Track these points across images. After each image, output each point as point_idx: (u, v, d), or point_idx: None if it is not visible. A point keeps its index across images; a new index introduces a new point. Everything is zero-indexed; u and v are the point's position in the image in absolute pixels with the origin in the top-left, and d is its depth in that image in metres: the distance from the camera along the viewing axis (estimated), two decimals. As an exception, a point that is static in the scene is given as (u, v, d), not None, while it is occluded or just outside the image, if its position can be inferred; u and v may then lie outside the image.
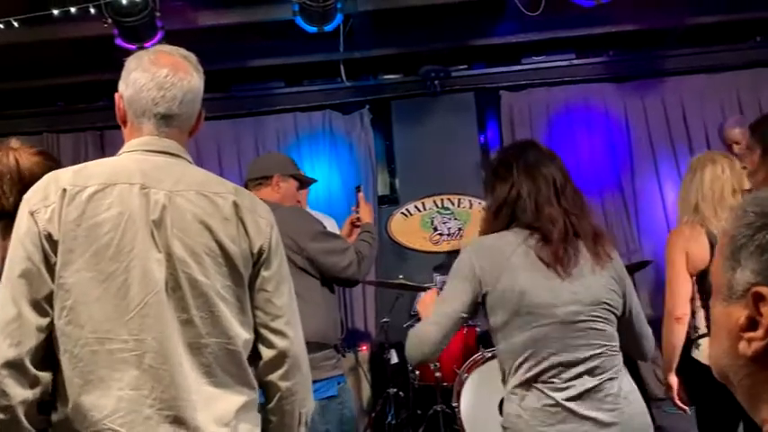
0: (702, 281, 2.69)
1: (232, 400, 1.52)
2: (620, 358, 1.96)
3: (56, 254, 1.43)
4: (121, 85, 1.62)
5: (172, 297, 1.47)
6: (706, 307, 2.69)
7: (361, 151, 5.54)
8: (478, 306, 1.94)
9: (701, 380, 2.66)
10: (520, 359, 1.89)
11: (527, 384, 1.88)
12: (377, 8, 4.50)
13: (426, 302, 2.19)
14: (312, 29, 4.13)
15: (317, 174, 5.14)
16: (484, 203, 5.03)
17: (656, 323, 2.74)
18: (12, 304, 1.40)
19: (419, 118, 5.57)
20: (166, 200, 1.50)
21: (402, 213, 5.60)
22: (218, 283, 1.51)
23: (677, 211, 2.92)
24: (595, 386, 1.87)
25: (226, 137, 5.51)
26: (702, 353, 2.70)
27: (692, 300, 2.73)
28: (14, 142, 1.80)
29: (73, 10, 3.91)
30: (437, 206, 5.59)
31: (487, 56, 5.53)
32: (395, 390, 4.73)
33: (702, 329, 2.73)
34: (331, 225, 3.81)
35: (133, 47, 3.72)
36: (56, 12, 3.94)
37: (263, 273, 1.60)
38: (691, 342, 2.76)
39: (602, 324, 1.91)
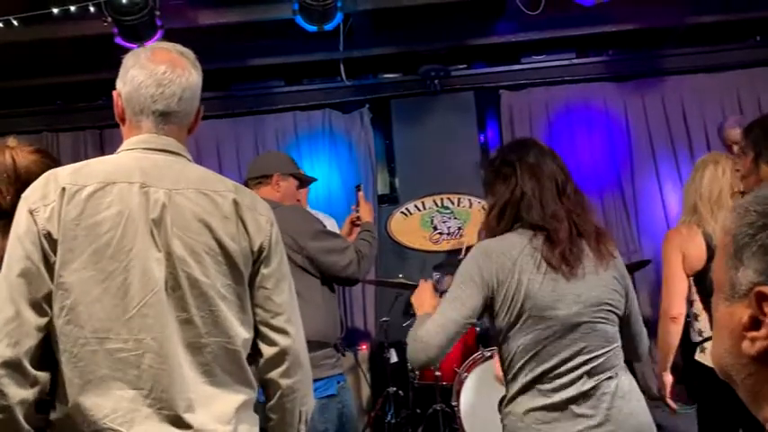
0: (701, 282, 2.69)
1: (231, 399, 1.52)
2: (620, 358, 1.96)
3: (55, 253, 1.42)
4: (119, 83, 1.61)
5: (171, 296, 1.47)
6: (708, 309, 2.69)
7: (360, 150, 5.54)
8: (485, 310, 1.91)
9: (705, 382, 2.66)
10: (522, 361, 1.88)
11: (528, 385, 1.88)
12: (376, 7, 4.50)
13: (421, 296, 2.16)
14: (312, 28, 4.12)
15: (317, 173, 5.14)
16: (484, 203, 5.03)
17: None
18: (10, 304, 1.39)
19: (419, 117, 5.57)
20: (166, 198, 1.50)
21: (402, 212, 5.60)
22: (218, 282, 1.51)
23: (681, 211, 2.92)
24: (593, 386, 1.86)
25: (225, 136, 5.51)
26: (708, 356, 2.70)
27: (693, 302, 2.73)
28: (12, 141, 1.79)
29: (73, 9, 3.91)
30: (437, 205, 5.59)
31: (487, 55, 5.53)
32: (394, 389, 4.74)
33: (707, 333, 2.73)
34: (331, 224, 3.81)
35: (133, 46, 3.72)
36: (55, 10, 3.94)
37: (263, 270, 1.59)
38: (695, 345, 2.76)
39: (604, 325, 1.91)
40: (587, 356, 1.87)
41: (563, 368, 1.86)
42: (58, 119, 5.58)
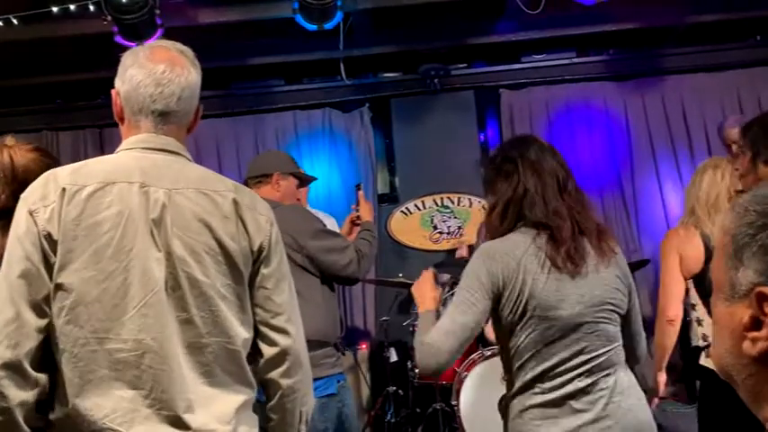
0: (701, 284, 2.69)
1: (231, 399, 1.52)
2: (621, 357, 1.95)
3: (55, 254, 1.42)
4: (118, 82, 1.60)
5: (171, 296, 1.46)
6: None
7: (360, 149, 5.54)
8: (492, 311, 1.90)
9: (708, 384, 2.66)
10: (523, 359, 1.88)
11: (528, 384, 1.88)
12: (377, 6, 4.50)
13: (422, 288, 2.15)
14: (312, 27, 4.12)
15: (317, 172, 5.13)
16: (484, 202, 5.02)
17: (655, 322, 2.75)
18: (10, 305, 1.38)
19: (419, 116, 5.57)
20: (166, 198, 1.49)
21: (402, 212, 5.60)
22: (218, 282, 1.50)
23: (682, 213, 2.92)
24: (591, 383, 1.86)
25: (225, 135, 5.51)
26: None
27: (695, 305, 2.72)
28: (10, 140, 1.78)
29: (72, 7, 3.91)
30: (437, 205, 5.59)
31: (487, 54, 5.53)
32: (394, 388, 4.74)
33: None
34: (331, 224, 3.81)
35: (133, 44, 3.71)
36: (55, 9, 3.94)
37: (263, 270, 1.59)
38: (698, 349, 2.75)
39: (605, 325, 1.90)
40: (588, 356, 1.87)
41: (563, 367, 1.86)
42: (57, 118, 5.57)
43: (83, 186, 1.46)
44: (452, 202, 5.57)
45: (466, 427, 3.76)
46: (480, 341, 4.26)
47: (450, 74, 5.48)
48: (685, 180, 4.72)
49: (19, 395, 1.36)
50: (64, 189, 1.44)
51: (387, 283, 4.97)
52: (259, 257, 1.58)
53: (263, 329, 1.60)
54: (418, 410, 4.68)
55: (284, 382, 1.60)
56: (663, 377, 2.75)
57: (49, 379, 1.43)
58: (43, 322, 1.41)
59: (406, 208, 5.60)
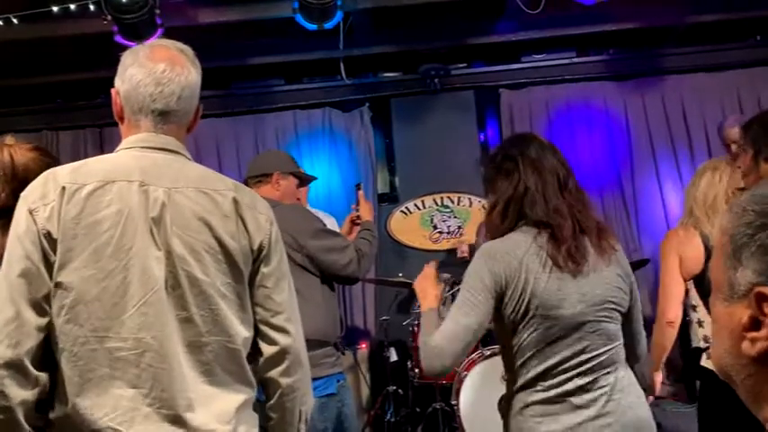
0: (701, 285, 2.69)
1: (231, 398, 1.52)
2: (622, 355, 1.95)
3: (55, 252, 1.42)
4: (117, 81, 1.60)
5: (171, 295, 1.46)
6: None
7: (360, 149, 5.54)
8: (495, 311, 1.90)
9: (709, 385, 2.66)
10: (524, 358, 1.88)
11: (530, 382, 1.88)
12: (377, 6, 4.49)
13: (424, 284, 2.14)
14: (312, 26, 4.12)
15: (317, 171, 5.13)
16: (484, 202, 5.00)
17: (654, 322, 2.75)
18: (10, 304, 1.38)
19: (419, 116, 5.57)
20: (166, 197, 1.49)
21: (402, 211, 5.60)
22: (218, 281, 1.50)
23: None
24: (591, 380, 1.86)
25: (225, 134, 5.51)
26: None
27: (696, 306, 2.72)
28: (9, 139, 1.78)
29: (72, 7, 3.91)
30: (437, 204, 5.59)
31: (487, 54, 5.53)
32: (394, 387, 4.74)
33: None
34: (331, 223, 3.81)
35: (133, 44, 3.69)
36: (55, 9, 3.94)
37: (263, 269, 1.59)
38: (699, 350, 2.75)
39: (607, 324, 1.90)
40: (589, 354, 1.86)
41: (564, 365, 1.86)
42: (57, 117, 5.57)
43: (82, 185, 1.46)
44: (452, 202, 5.57)
45: (466, 427, 3.76)
46: (480, 341, 4.27)
47: (450, 74, 5.48)
48: (685, 180, 4.73)
49: (20, 394, 1.36)
50: (63, 188, 1.45)
51: (387, 283, 4.97)
52: (259, 256, 1.58)
53: (263, 328, 1.60)
54: (418, 410, 4.68)
55: (284, 381, 1.60)
56: (659, 377, 2.76)
57: (50, 378, 1.43)
58: (43, 321, 1.41)
59: (406, 207, 5.60)
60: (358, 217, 3.36)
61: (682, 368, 2.92)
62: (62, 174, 1.48)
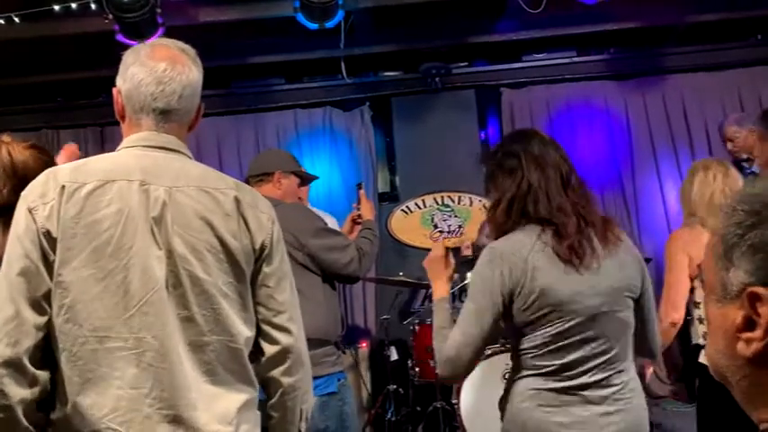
0: None
1: (233, 398, 1.51)
2: (631, 348, 1.94)
3: (54, 251, 1.42)
4: (119, 80, 1.60)
5: (173, 294, 1.46)
6: None
7: (361, 148, 5.53)
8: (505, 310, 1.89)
9: (707, 383, 2.66)
10: (540, 354, 1.86)
11: (545, 374, 1.86)
12: (378, 5, 4.49)
13: (434, 265, 2.13)
14: (313, 25, 4.12)
15: (318, 171, 5.12)
16: (484, 201, 5.00)
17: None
18: (10, 303, 1.38)
19: (420, 115, 5.57)
20: (167, 196, 1.49)
21: (402, 210, 5.60)
22: (219, 280, 1.50)
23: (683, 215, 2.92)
24: (606, 377, 1.85)
25: (226, 133, 5.51)
26: None
27: (699, 304, 2.71)
28: (6, 137, 1.79)
29: (74, 6, 3.92)
30: (437, 203, 5.59)
31: (488, 53, 5.52)
32: (394, 386, 4.74)
33: None
34: (331, 222, 3.81)
35: (134, 43, 3.72)
36: (57, 7, 3.94)
37: (265, 269, 1.58)
38: (698, 347, 2.75)
39: (622, 314, 1.89)
40: (605, 346, 1.85)
41: (582, 360, 1.84)
42: (58, 116, 5.57)
43: (82, 184, 1.46)
44: (453, 201, 5.57)
45: (466, 426, 3.76)
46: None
47: (450, 73, 5.47)
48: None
49: (19, 393, 1.36)
50: (63, 187, 1.44)
51: (387, 282, 4.97)
52: (261, 255, 1.57)
53: (265, 328, 1.60)
54: (419, 409, 4.68)
55: (285, 380, 1.60)
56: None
57: (50, 377, 1.43)
58: (42, 320, 1.40)
59: (407, 207, 5.60)
60: (359, 216, 3.36)
61: (682, 367, 2.91)
62: (62, 173, 1.48)
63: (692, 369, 2.76)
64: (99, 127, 5.53)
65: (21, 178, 1.63)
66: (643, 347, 2.04)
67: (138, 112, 1.57)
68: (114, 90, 1.61)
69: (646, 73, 5.55)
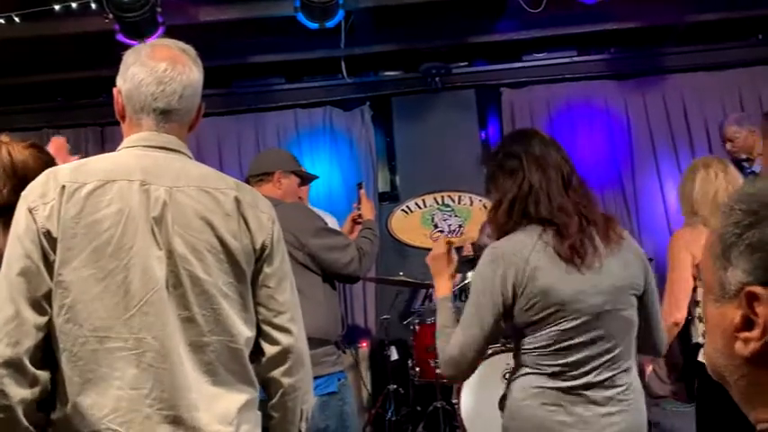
0: None
1: (234, 398, 1.51)
2: (634, 348, 1.94)
3: (55, 251, 1.42)
4: (119, 80, 1.60)
5: (173, 295, 1.46)
6: None
7: (361, 148, 5.53)
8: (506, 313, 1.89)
9: (706, 382, 2.66)
10: (544, 354, 1.86)
11: (550, 374, 1.85)
12: (378, 5, 4.49)
13: (437, 262, 2.14)
14: (313, 25, 4.12)
15: (318, 170, 5.11)
16: (485, 200, 5.00)
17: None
18: (10, 303, 1.38)
19: (420, 115, 5.57)
20: (167, 196, 1.49)
21: (402, 210, 5.60)
22: (220, 280, 1.50)
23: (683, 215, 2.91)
24: (611, 376, 1.86)
25: (226, 133, 5.50)
26: None
27: (699, 302, 2.71)
28: (4, 137, 1.79)
29: (74, 5, 3.91)
30: (438, 203, 5.59)
31: (488, 53, 5.52)
32: (395, 386, 4.74)
33: None
34: (332, 222, 3.81)
35: (134, 42, 3.72)
36: (57, 7, 3.94)
37: (266, 269, 1.58)
38: (700, 346, 2.75)
39: (626, 312, 1.89)
40: (608, 345, 1.85)
41: (586, 360, 1.84)
42: (58, 116, 5.57)
43: (83, 184, 1.46)
44: (453, 201, 5.57)
45: (466, 426, 3.76)
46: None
47: (451, 72, 5.47)
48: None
49: (19, 393, 1.36)
50: (63, 187, 1.44)
51: (387, 282, 4.97)
52: (262, 256, 1.57)
53: (266, 328, 1.59)
54: (419, 409, 4.68)
55: (286, 380, 1.60)
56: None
57: (51, 377, 1.43)
58: (43, 320, 1.40)
59: (407, 206, 5.60)
60: (359, 216, 3.36)
61: (682, 367, 2.91)
62: (62, 173, 1.48)
63: (691, 368, 2.75)
64: (99, 127, 5.53)
65: (21, 178, 1.63)
66: (648, 344, 2.04)
67: (139, 112, 1.57)
68: (115, 90, 1.61)
69: (646, 73, 5.55)
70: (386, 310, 5.06)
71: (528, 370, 1.89)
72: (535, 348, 1.87)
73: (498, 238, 1.96)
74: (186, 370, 1.45)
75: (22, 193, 1.48)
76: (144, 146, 1.56)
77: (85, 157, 1.67)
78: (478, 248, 4.37)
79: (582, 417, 1.83)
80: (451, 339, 1.90)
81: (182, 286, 1.47)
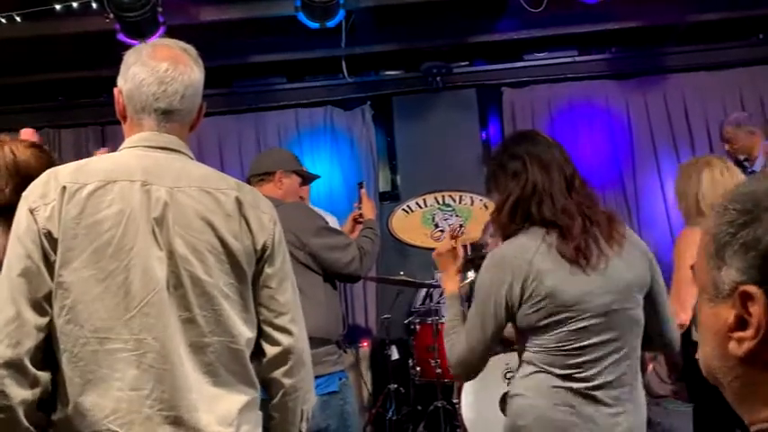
0: None
1: (234, 399, 1.51)
2: (640, 346, 1.94)
3: (55, 252, 1.41)
4: (120, 80, 1.60)
5: (174, 295, 1.46)
6: None
7: (362, 147, 5.54)
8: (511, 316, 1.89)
9: (704, 381, 2.66)
10: (553, 353, 1.85)
11: (555, 375, 1.85)
12: (379, 4, 4.50)
13: (444, 259, 2.18)
14: (314, 25, 4.12)
15: (319, 170, 5.11)
16: (485, 200, 5.00)
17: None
18: (10, 304, 1.38)
19: (420, 114, 5.57)
20: (168, 197, 1.49)
21: (403, 210, 5.60)
22: (221, 281, 1.50)
23: (681, 214, 2.90)
24: (618, 376, 1.85)
25: (227, 133, 5.51)
26: None
27: None
28: (4, 137, 1.79)
29: (75, 5, 3.92)
30: (438, 203, 5.59)
31: (489, 52, 5.52)
32: (395, 386, 4.74)
33: None
34: (332, 222, 3.80)
35: (135, 42, 3.72)
36: (58, 7, 3.94)
37: (267, 269, 1.58)
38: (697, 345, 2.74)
39: (633, 311, 1.88)
40: (617, 345, 1.85)
41: (593, 359, 1.84)
42: (59, 115, 5.58)
43: (83, 185, 1.45)
44: (454, 201, 5.57)
45: (467, 425, 3.76)
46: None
47: (452, 72, 5.47)
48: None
49: (20, 393, 1.36)
50: (64, 187, 1.44)
51: (388, 281, 4.97)
52: (263, 256, 1.57)
53: (267, 329, 1.59)
54: (419, 408, 4.68)
55: (287, 381, 1.60)
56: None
57: (52, 378, 1.43)
58: (43, 320, 1.40)
59: (408, 206, 5.60)
60: (360, 215, 3.36)
61: (682, 367, 2.91)
62: (63, 173, 1.48)
63: (692, 367, 2.75)
64: (100, 126, 5.53)
65: (23, 177, 1.63)
66: (662, 339, 2.02)
67: (140, 112, 1.57)
68: (115, 90, 1.61)
69: (647, 72, 5.56)
70: (386, 309, 5.06)
71: (536, 369, 1.88)
72: (544, 348, 1.86)
73: (502, 239, 1.96)
74: (187, 371, 1.45)
75: (23, 194, 1.48)
76: (145, 146, 1.56)
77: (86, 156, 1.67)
78: (480, 248, 4.37)
79: (591, 417, 1.83)
80: (459, 341, 1.94)
81: (182, 287, 1.46)
